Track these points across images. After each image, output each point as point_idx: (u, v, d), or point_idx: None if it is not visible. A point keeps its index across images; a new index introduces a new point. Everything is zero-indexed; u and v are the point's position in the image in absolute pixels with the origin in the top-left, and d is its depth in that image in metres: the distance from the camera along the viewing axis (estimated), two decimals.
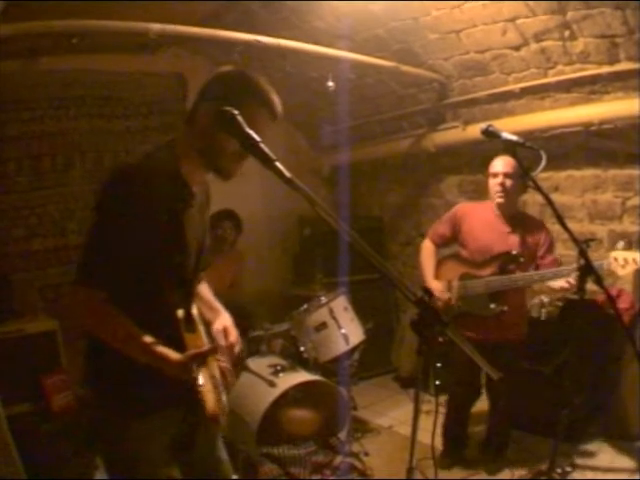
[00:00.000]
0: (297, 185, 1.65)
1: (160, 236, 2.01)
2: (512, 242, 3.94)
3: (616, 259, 3.31)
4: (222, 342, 2.38)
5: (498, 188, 3.90)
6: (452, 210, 4.28)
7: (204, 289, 2.60)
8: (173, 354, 1.95)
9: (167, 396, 2.08)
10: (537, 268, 3.92)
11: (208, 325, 2.44)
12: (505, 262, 3.90)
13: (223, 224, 5.37)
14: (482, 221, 4.05)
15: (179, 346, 2.01)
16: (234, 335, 2.44)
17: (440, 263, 4.27)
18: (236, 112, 1.78)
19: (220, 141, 2.02)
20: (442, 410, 4.42)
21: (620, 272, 3.31)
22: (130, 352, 1.96)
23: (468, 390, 4.29)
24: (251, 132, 1.72)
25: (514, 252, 3.87)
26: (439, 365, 4.37)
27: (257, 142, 1.71)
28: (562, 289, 3.69)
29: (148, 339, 1.94)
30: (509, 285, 3.83)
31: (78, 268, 1.96)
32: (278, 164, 1.66)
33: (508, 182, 3.87)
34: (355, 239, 1.68)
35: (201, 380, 1.99)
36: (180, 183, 2.10)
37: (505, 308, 3.88)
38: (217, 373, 2.23)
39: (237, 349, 2.43)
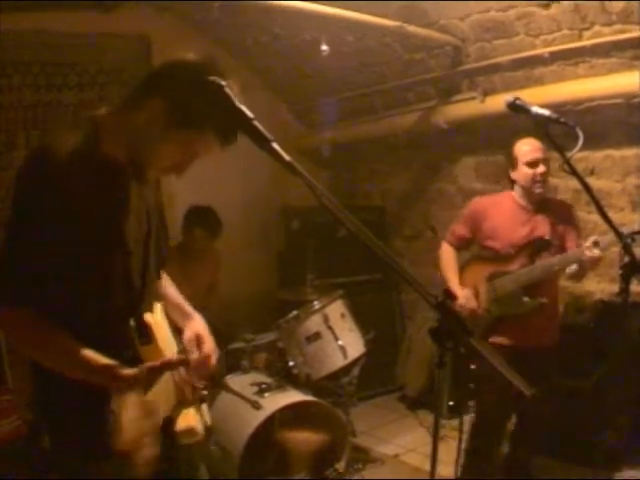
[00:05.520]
0: (297, 170, 1.67)
1: (94, 234, 1.98)
2: (541, 228, 4.05)
3: None
4: (194, 353, 2.36)
5: (539, 178, 3.98)
6: (468, 207, 4.38)
7: (171, 290, 2.58)
8: (126, 370, 1.93)
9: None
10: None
11: (179, 332, 2.44)
12: (535, 250, 4.00)
13: (199, 227, 5.31)
14: (505, 214, 4.14)
15: (134, 362, 2.00)
16: (209, 343, 2.41)
17: (462, 269, 4.35)
18: (223, 83, 1.80)
19: (156, 152, 2.04)
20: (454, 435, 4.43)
21: None
22: (71, 372, 1.95)
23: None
24: (243, 107, 1.74)
25: (546, 237, 3.98)
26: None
27: (250, 119, 1.73)
28: (576, 275, 3.95)
29: (89, 353, 1.92)
30: (544, 273, 3.93)
31: None
32: (275, 145, 1.69)
33: (546, 169, 3.99)
34: (363, 232, 1.69)
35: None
36: (110, 167, 2.06)
37: (544, 300, 3.94)
38: (167, 390, 2.23)
39: (214, 360, 2.41)
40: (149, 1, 5.81)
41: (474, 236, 4.29)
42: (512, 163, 4.06)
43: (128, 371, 1.93)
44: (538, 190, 4.01)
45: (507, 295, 4.04)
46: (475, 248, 4.37)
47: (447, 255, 4.40)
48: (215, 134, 1.99)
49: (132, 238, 2.15)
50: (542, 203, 4.10)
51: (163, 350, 2.19)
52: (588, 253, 3.67)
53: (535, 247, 4.01)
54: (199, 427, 2.25)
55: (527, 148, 4.00)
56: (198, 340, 2.39)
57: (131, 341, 2.06)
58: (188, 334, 2.41)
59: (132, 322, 2.09)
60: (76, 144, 1.96)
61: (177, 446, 2.26)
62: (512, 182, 4.14)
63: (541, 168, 3.96)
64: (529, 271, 3.97)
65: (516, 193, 4.13)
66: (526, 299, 3.96)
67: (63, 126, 2.08)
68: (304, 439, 4.45)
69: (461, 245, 4.40)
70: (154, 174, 2.15)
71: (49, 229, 1.89)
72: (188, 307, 2.56)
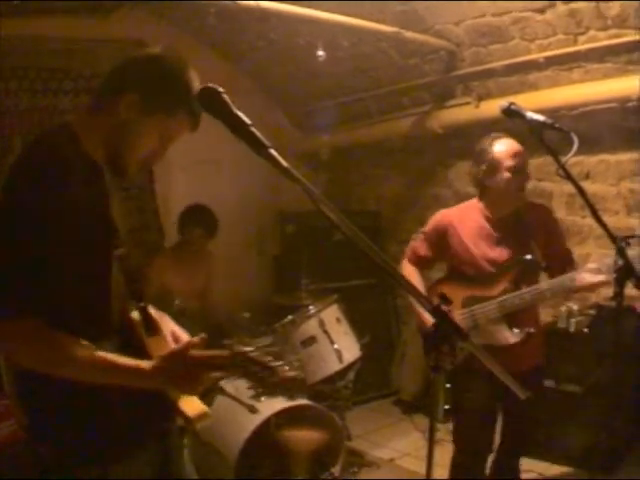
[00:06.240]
0: (294, 175, 1.68)
1: (93, 230, 1.99)
2: (520, 245, 3.61)
3: None
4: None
5: (521, 186, 3.58)
6: (431, 222, 3.89)
7: None
8: (143, 363, 1.93)
9: (139, 433, 2.09)
10: (549, 264, 3.66)
11: None
12: (520, 272, 3.56)
13: (196, 226, 5.30)
14: (473, 228, 3.70)
15: (140, 355, 2.00)
16: (186, 338, 2.36)
17: (433, 289, 3.79)
18: (221, 89, 1.81)
19: (135, 144, 2.07)
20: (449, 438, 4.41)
21: None
22: (89, 378, 1.91)
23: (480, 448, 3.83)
24: (240, 114, 1.76)
25: (528, 257, 3.54)
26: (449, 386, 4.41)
27: (248, 125, 1.75)
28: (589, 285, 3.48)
29: (106, 355, 1.90)
30: (534, 300, 3.54)
31: None
32: (272, 151, 1.70)
33: (528, 174, 3.62)
34: (359, 237, 1.71)
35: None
36: (95, 168, 2.08)
37: (532, 330, 3.53)
38: None
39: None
40: (147, 1, 5.79)
41: (439, 255, 3.86)
42: (490, 167, 3.58)
43: (148, 365, 1.92)
44: (518, 198, 3.62)
45: (489, 323, 3.60)
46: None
47: (410, 275, 3.83)
48: (187, 114, 2.09)
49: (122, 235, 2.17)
50: (519, 213, 3.66)
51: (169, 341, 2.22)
52: (589, 279, 3.36)
53: (518, 269, 3.56)
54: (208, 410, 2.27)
55: (507, 150, 3.56)
56: (174, 336, 2.37)
57: (137, 333, 2.09)
58: (164, 332, 2.38)
59: (136, 314, 2.11)
60: (64, 146, 1.97)
61: (168, 446, 2.30)
62: (483, 189, 3.70)
63: (523, 173, 3.56)
64: (515, 298, 3.51)
65: (487, 203, 3.70)
66: (516, 330, 3.54)
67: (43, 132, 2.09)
68: (302, 437, 4.43)
69: (424, 266, 3.93)
70: (134, 167, 2.15)
71: (46, 232, 1.86)
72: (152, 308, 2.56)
